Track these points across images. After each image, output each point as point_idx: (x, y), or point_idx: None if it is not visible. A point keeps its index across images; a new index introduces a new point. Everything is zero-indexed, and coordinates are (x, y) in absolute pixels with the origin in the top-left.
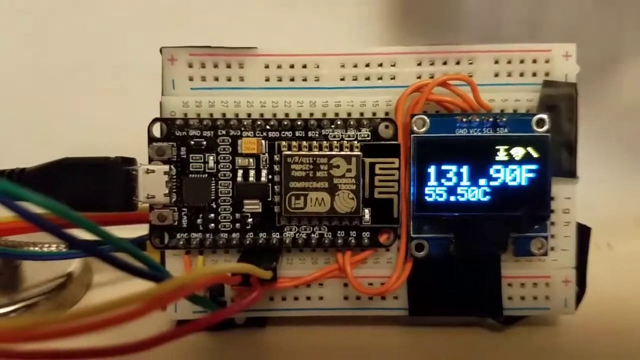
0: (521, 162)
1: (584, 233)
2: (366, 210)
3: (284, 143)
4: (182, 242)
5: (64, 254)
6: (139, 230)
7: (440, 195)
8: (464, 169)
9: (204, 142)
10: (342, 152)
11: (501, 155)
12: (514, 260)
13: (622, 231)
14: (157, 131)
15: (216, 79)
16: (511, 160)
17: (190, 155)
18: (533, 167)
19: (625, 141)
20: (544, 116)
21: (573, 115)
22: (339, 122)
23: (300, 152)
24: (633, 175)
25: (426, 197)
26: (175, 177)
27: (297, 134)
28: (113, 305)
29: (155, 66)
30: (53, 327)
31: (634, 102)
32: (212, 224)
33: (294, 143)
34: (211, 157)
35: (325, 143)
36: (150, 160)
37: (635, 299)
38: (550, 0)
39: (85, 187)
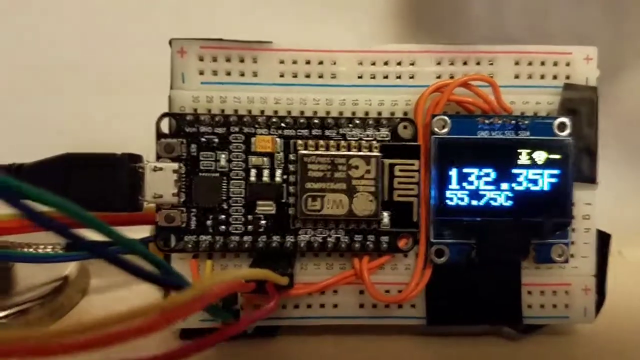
0: (544, 166)
1: (603, 240)
2: (385, 214)
3: (300, 142)
4: (190, 245)
5: (60, 256)
6: (140, 232)
7: (462, 199)
8: (486, 172)
9: (216, 139)
10: (361, 152)
11: (523, 159)
12: (534, 267)
13: (631, 238)
14: (165, 127)
15: (228, 74)
16: (533, 165)
17: (201, 153)
18: (555, 171)
19: (630, 147)
20: (566, 120)
21: (593, 119)
22: (357, 121)
23: (318, 152)
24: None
25: (447, 201)
26: (184, 175)
27: (313, 132)
28: (123, 318)
29: (160, 60)
30: (46, 342)
31: (638, 108)
32: (223, 226)
33: (310, 142)
34: (223, 155)
35: (343, 143)
36: (158, 158)
37: None
38: (552, 8)
39: (87, 184)
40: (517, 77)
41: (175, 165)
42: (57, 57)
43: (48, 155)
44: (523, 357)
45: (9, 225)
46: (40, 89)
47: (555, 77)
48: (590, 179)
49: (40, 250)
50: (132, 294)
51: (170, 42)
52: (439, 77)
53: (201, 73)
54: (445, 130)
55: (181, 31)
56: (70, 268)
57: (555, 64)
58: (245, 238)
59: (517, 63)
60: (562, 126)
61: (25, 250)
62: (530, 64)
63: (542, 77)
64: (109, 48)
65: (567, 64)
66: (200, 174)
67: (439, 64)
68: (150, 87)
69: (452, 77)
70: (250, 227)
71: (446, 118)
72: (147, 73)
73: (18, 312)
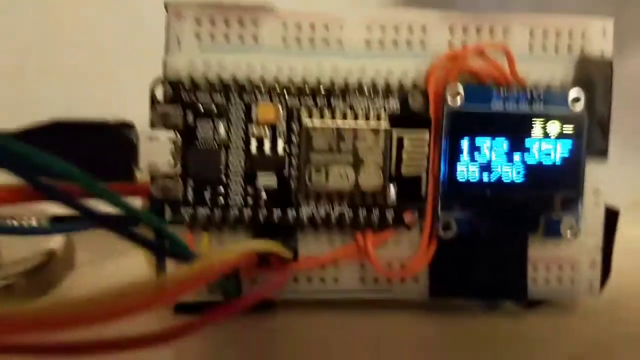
0: (557, 139)
1: (611, 216)
2: (392, 187)
3: (304, 111)
4: (187, 218)
5: (47, 229)
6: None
7: (473, 173)
8: (499, 145)
9: (214, 108)
10: (369, 123)
11: (537, 131)
12: (541, 241)
13: (626, 217)
14: (160, 93)
15: (226, 38)
16: (546, 138)
17: (199, 122)
18: (568, 145)
19: (622, 127)
20: (580, 93)
21: (608, 93)
22: (365, 90)
23: (323, 122)
24: (632, 158)
25: (457, 175)
26: (181, 145)
27: (318, 101)
28: (126, 292)
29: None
30: (36, 319)
31: (634, 90)
32: (222, 199)
33: (315, 111)
34: (222, 124)
35: (350, 113)
36: (153, 126)
37: None
38: None
39: (77, 153)
40: (531, 47)
41: (171, 134)
42: (43, 17)
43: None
44: (526, 332)
45: None
46: (23, 49)
47: (569, 49)
48: (602, 152)
49: (24, 223)
50: (121, 268)
51: (165, 6)
52: (450, 45)
53: (198, 37)
54: (458, 100)
55: None
56: (55, 241)
57: (570, 35)
58: (245, 211)
59: (531, 33)
60: (576, 99)
61: (8, 222)
62: (544, 34)
63: (557, 48)
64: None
65: (583, 36)
66: (197, 143)
67: (451, 31)
68: (145, 51)
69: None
70: (250, 200)
71: (459, 88)
72: (142, 37)
73: (2, 288)
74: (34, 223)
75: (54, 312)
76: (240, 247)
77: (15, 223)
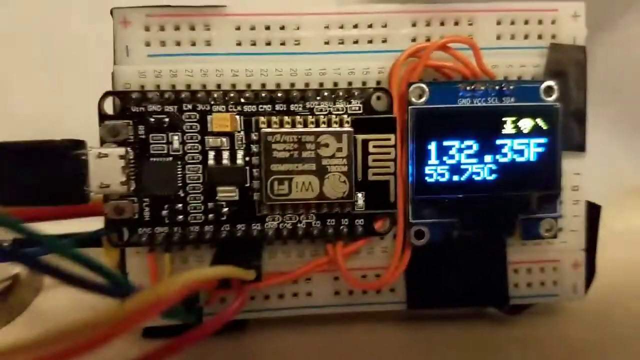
0: (530, 135)
1: (593, 212)
2: (359, 195)
3: (262, 119)
4: (144, 239)
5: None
6: (93, 223)
7: (442, 175)
8: (468, 145)
9: (167, 119)
10: (331, 128)
11: (508, 128)
12: (521, 244)
13: (613, 207)
14: (109, 107)
15: (178, 44)
16: (519, 134)
17: (151, 135)
18: (542, 140)
19: (608, 114)
20: (553, 83)
21: (582, 81)
22: (325, 93)
23: (283, 129)
24: (619, 147)
25: (426, 178)
26: (133, 161)
27: (277, 107)
28: (74, 330)
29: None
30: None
31: (616, 73)
32: (180, 216)
33: (274, 119)
34: (176, 137)
35: (310, 118)
36: (103, 143)
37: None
38: None
39: (24, 176)
40: (499, 37)
41: (122, 150)
42: None
43: None
44: (510, 339)
45: None
46: None
47: (540, 37)
48: (579, 146)
49: None
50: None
51: (111, 12)
52: (414, 40)
53: (147, 45)
54: (423, 99)
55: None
56: (20, 266)
57: (540, 22)
58: (207, 228)
59: (498, 22)
60: (549, 90)
61: None
62: (512, 23)
63: (526, 37)
64: (45, 18)
65: (553, 22)
66: (150, 158)
67: (414, 25)
68: (92, 63)
69: (428, 40)
70: (211, 215)
71: (424, 86)
72: (89, 47)
73: None
74: None
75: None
76: (184, 277)
77: None
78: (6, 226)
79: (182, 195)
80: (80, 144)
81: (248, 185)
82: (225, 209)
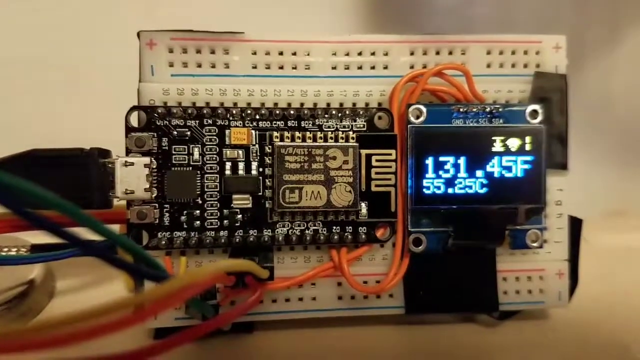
0: (517, 153)
1: (575, 225)
2: (363, 204)
3: (276, 133)
4: (163, 242)
5: (26, 259)
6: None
7: (439, 188)
8: (462, 160)
9: (188, 132)
10: (339, 143)
11: (498, 146)
12: (509, 253)
13: (593, 224)
14: (135, 120)
15: (199, 66)
16: (507, 152)
17: (173, 147)
18: (528, 158)
19: (585, 136)
20: (537, 107)
21: (564, 106)
22: (333, 112)
23: (294, 143)
24: (597, 168)
25: (424, 190)
26: (156, 170)
27: (289, 123)
28: (104, 311)
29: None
30: (16, 339)
31: (599, 97)
32: (198, 222)
33: (286, 134)
34: (196, 149)
35: (319, 134)
36: (128, 152)
37: (621, 293)
38: None
39: (55, 182)
40: (489, 65)
41: (147, 160)
42: (23, 53)
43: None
44: (500, 343)
45: None
46: (5, 86)
47: (525, 66)
48: (562, 165)
49: (3, 253)
50: (100, 294)
51: (138, 35)
52: (412, 67)
53: (171, 65)
54: (421, 119)
55: (150, 23)
56: (35, 271)
57: (525, 52)
58: (221, 233)
59: (488, 52)
60: (534, 114)
61: None
62: (501, 52)
63: (513, 65)
64: (75, 41)
65: (537, 53)
66: (172, 168)
67: (412, 54)
68: (120, 81)
69: (425, 67)
70: (226, 221)
71: (422, 107)
72: (117, 66)
73: None
74: (13, 253)
75: (34, 331)
76: (214, 266)
77: None
78: (89, 227)
79: (200, 202)
80: (107, 153)
81: (261, 194)
82: (239, 216)
